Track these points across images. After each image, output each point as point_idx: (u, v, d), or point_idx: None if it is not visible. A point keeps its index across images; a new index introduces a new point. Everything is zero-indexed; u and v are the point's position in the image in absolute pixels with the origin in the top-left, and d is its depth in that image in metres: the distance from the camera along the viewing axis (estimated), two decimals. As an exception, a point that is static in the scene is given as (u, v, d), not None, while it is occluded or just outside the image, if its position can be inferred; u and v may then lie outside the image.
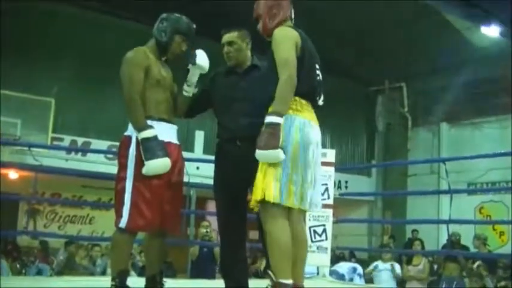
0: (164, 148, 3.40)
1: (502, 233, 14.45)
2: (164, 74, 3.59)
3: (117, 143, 3.64)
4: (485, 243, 11.10)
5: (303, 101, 3.32)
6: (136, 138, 3.38)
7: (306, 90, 3.32)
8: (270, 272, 3.14)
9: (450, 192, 7.34)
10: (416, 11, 13.42)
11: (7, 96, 11.67)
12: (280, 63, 3.19)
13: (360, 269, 9.43)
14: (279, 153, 3.12)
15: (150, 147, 3.33)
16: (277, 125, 3.13)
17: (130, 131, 3.44)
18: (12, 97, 11.84)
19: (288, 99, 3.22)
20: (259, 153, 3.16)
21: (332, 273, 8.10)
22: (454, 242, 11.17)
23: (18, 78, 12.37)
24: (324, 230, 6.77)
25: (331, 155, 7.05)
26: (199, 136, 14.68)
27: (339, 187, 14.98)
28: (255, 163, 3.27)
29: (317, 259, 6.69)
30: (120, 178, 3.39)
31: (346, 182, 15.57)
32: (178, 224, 3.64)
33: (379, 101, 17.78)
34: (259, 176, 3.21)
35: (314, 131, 3.32)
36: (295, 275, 3.22)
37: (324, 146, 6.77)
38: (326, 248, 6.76)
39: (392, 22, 13.86)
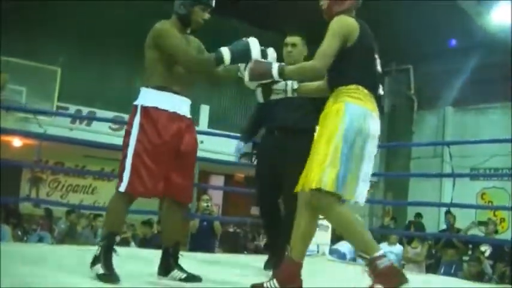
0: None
1: (502, 220, 14.46)
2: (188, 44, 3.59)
3: (122, 114, 3.65)
4: (496, 230, 11.14)
5: (365, 91, 3.28)
6: (141, 107, 3.42)
7: (367, 80, 3.31)
8: (361, 254, 3.14)
9: (453, 176, 7.31)
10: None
11: (13, 64, 11.66)
12: (320, 51, 3.18)
13: (360, 249, 9.45)
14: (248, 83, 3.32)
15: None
16: (269, 72, 3.25)
17: (138, 100, 3.47)
18: (18, 65, 11.84)
19: (301, 78, 3.38)
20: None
21: (333, 251, 8.15)
22: (450, 224, 11.25)
23: (24, 46, 12.36)
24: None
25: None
26: (205, 110, 14.70)
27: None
28: (288, 150, 4.25)
29: (318, 237, 6.68)
30: (124, 144, 3.42)
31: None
32: (189, 194, 3.66)
33: (385, 82, 17.72)
34: (312, 162, 3.17)
35: (375, 123, 3.27)
36: None
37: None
38: (327, 226, 6.78)
39: (401, 4, 13.76)
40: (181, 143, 3.52)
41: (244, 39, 3.43)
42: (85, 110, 13.07)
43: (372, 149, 3.23)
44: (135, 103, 3.48)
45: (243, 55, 3.37)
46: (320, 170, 3.09)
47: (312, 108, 4.19)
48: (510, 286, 7.22)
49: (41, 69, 12.29)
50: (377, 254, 3.10)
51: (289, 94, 3.50)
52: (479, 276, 9.01)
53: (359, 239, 3.17)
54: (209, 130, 12.47)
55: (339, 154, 3.09)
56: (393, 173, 16.68)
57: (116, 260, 3.30)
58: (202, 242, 8.74)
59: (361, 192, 3.21)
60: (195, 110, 13.56)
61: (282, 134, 4.53)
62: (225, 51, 3.37)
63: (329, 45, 3.19)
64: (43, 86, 12.32)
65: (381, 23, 14.76)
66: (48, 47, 13.12)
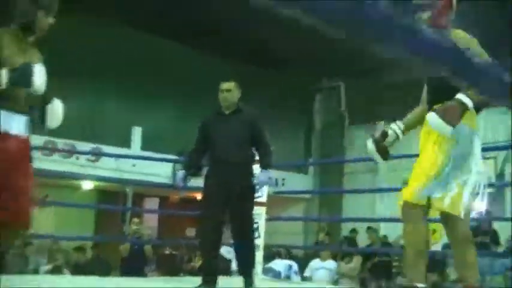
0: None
1: (434, 231, 14.70)
2: (19, 58, 3.27)
3: None
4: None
5: (474, 112, 3.36)
6: None
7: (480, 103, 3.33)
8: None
9: (385, 190, 7.37)
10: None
11: None
12: None
13: (295, 266, 9.48)
14: (448, 130, 3.21)
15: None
16: (464, 105, 3.19)
17: None
18: None
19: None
20: (433, 117, 3.24)
21: (268, 270, 8.12)
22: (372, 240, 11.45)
23: None
24: (257, 228, 6.76)
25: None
26: (137, 132, 14.42)
27: (276, 184, 14.99)
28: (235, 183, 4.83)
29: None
30: None
31: (283, 179, 15.58)
32: (20, 216, 3.26)
33: (317, 98, 17.90)
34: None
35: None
36: None
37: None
38: (258, 246, 6.76)
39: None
40: (11, 161, 3.21)
41: (31, 65, 3.19)
42: None
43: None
44: None
45: (23, 80, 3.14)
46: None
47: (250, 142, 5.02)
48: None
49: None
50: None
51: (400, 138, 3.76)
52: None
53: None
54: (142, 153, 12.30)
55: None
56: (327, 189, 16.78)
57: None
58: (134, 265, 8.61)
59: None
60: (126, 131, 13.45)
61: (229, 167, 4.95)
62: (3, 74, 3.12)
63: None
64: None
65: (312, 41, 14.97)
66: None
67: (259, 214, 6.82)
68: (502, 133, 13.78)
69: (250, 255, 5.12)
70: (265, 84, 15.26)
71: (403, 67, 14.62)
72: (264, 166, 5.10)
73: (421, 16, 3.45)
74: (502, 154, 12.28)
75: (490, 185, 12.21)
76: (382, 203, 15.37)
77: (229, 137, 4.98)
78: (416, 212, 3.31)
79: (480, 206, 10.00)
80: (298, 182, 16.34)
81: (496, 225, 11.22)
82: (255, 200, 5.27)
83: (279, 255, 10.33)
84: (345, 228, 14.54)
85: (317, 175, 17.17)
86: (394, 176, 15.12)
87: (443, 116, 3.21)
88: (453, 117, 3.21)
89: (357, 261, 10.61)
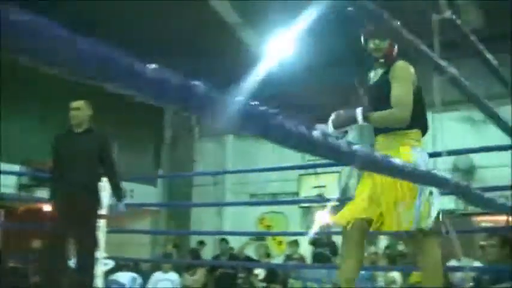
0: None
1: (280, 242, 15.04)
2: None
3: None
4: (267, 253, 11.57)
5: (420, 133, 3.59)
6: None
7: (424, 124, 3.64)
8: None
9: (231, 204, 7.45)
10: (205, 20, 13.62)
11: None
12: (398, 99, 3.47)
13: (139, 279, 9.43)
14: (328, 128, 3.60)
15: None
16: (353, 117, 3.53)
17: None
18: None
19: (384, 125, 3.59)
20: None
21: (113, 282, 8.00)
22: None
23: None
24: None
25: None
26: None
27: (124, 196, 14.71)
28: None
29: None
30: None
31: (132, 191, 15.35)
32: None
33: (167, 111, 17.79)
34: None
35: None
36: None
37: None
38: (97, 258, 6.60)
39: (181, 32, 13.94)
40: None
41: None
42: None
43: None
44: None
45: None
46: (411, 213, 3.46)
47: (98, 161, 5.21)
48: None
49: None
50: None
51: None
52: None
53: None
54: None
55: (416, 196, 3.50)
56: (175, 202, 16.73)
57: None
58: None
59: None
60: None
61: (75, 184, 5.10)
62: None
63: (407, 92, 3.43)
64: None
65: (158, 52, 14.90)
66: None
67: (100, 226, 6.66)
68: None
69: (89, 270, 5.13)
70: (115, 94, 14.94)
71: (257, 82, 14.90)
72: (118, 199, 5.42)
73: (371, 44, 3.74)
74: (346, 169, 12.79)
75: (335, 199, 12.71)
76: (229, 216, 15.57)
77: (77, 155, 5.08)
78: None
79: (323, 219, 10.36)
80: (147, 193, 16.16)
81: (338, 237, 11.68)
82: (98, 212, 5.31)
83: (127, 267, 10.18)
84: (194, 240, 14.56)
85: (166, 187, 17.08)
86: (240, 190, 15.40)
87: (335, 117, 3.64)
88: (338, 121, 3.61)
89: (200, 273, 10.67)
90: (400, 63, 3.60)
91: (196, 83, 1.02)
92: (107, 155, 5.25)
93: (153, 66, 0.94)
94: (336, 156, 1.33)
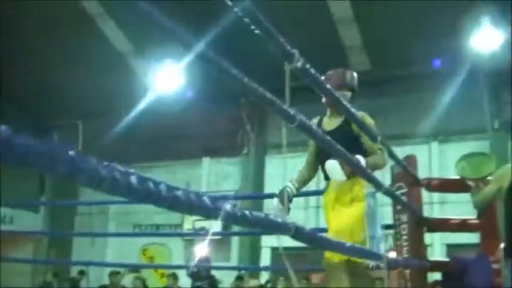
0: None
1: (162, 274, 15.01)
2: None
3: None
4: (145, 286, 11.53)
5: None
6: None
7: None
8: None
9: (115, 235, 7.47)
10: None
11: None
12: (374, 146, 3.95)
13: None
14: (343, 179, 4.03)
15: None
16: (359, 164, 3.74)
17: None
18: None
19: (376, 168, 4.04)
20: (333, 164, 4.02)
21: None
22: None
23: None
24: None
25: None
26: None
27: (3, 222, 14.33)
28: None
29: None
30: None
31: (12, 217, 14.94)
32: None
33: (54, 136, 17.43)
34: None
35: None
36: None
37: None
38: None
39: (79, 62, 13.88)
40: None
41: None
42: None
43: None
44: None
45: None
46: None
47: None
48: None
49: None
50: None
51: None
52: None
53: None
54: None
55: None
56: (58, 230, 16.36)
57: None
58: None
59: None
60: None
61: None
62: None
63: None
64: None
65: (52, 78, 14.73)
66: None
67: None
68: (231, 182, 14.79)
69: None
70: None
71: (143, 111, 14.92)
72: None
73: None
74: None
75: (217, 233, 12.86)
76: (112, 245, 15.41)
77: None
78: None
79: (201, 252, 10.47)
80: (28, 220, 15.75)
81: (221, 271, 11.87)
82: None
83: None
84: (75, 269, 14.27)
85: (48, 214, 16.70)
86: (124, 220, 15.32)
87: (343, 165, 3.93)
88: (349, 170, 3.91)
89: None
90: (363, 114, 4.07)
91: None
92: None
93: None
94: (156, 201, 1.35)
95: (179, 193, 1.39)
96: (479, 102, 12.98)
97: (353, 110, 3.02)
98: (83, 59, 14.05)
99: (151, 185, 1.30)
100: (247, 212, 1.76)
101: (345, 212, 4.14)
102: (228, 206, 1.62)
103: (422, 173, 6.04)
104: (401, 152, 5.47)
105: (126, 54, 14.30)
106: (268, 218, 1.93)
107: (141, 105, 14.27)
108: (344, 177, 4.03)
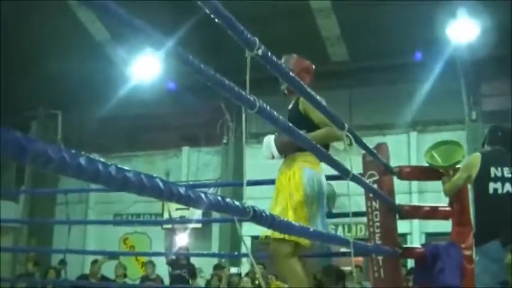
0: None
1: (143, 264, 15.06)
2: None
3: None
4: (125, 273, 11.59)
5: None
6: None
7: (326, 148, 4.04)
8: None
9: (94, 222, 7.51)
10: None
11: None
12: (325, 120, 3.83)
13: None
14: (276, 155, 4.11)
15: None
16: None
17: None
18: None
19: (325, 142, 4.08)
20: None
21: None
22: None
23: None
24: None
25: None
26: None
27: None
28: None
29: None
30: None
31: (-9, 206, 14.86)
32: None
33: (33, 127, 17.32)
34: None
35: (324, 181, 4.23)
36: None
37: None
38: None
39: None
40: None
41: None
42: None
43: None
44: None
45: None
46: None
47: None
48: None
49: None
50: None
51: None
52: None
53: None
54: None
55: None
56: (38, 219, 16.32)
57: None
58: None
59: None
60: None
61: None
62: None
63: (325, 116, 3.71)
64: None
65: (33, 67, 14.63)
66: None
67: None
68: (211, 172, 14.83)
69: None
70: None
71: (124, 102, 14.90)
72: None
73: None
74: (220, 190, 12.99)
75: (198, 221, 12.90)
76: (92, 234, 15.42)
77: None
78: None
79: (181, 241, 10.53)
80: (8, 210, 15.67)
81: (201, 260, 11.93)
82: None
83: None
84: (56, 258, 14.24)
85: (28, 204, 16.63)
86: (104, 209, 15.32)
87: (279, 142, 4.02)
88: (284, 147, 4.03)
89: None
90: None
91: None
92: None
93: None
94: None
95: (129, 174, 1.44)
96: (457, 92, 13.12)
97: (312, 92, 3.06)
98: (61, 49, 13.98)
99: (100, 166, 1.38)
100: (202, 195, 1.81)
101: (279, 189, 4.17)
102: (181, 188, 1.67)
103: (401, 162, 6.26)
104: (380, 141, 5.58)
105: (105, 43, 14.26)
106: (224, 202, 1.98)
107: (120, 94, 14.25)
108: (270, 156, 4.11)
